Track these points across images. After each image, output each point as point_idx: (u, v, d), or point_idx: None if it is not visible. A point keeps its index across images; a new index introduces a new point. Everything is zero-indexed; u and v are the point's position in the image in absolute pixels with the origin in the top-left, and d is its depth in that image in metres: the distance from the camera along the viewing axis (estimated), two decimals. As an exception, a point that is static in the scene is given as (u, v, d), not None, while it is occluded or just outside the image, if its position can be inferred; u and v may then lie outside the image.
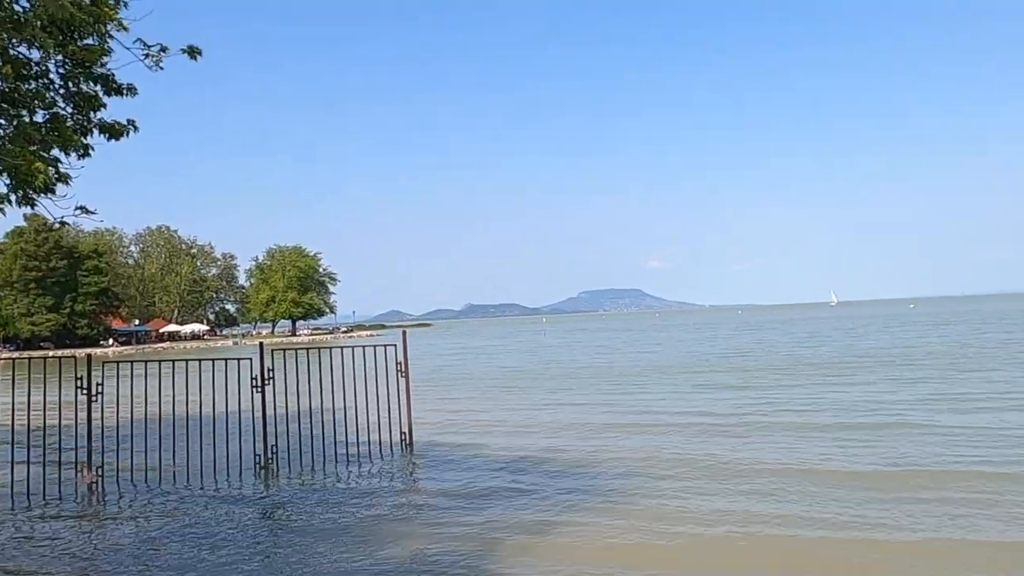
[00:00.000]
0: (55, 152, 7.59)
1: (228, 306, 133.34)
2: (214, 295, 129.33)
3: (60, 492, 10.10)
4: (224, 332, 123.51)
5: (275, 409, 11.59)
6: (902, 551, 6.97)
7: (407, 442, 12.68)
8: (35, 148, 7.23)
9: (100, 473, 10.51)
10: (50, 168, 7.32)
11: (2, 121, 7.27)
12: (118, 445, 10.65)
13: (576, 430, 14.44)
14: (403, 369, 12.51)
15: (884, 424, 13.50)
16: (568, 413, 17.08)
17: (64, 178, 7.67)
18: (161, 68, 7.51)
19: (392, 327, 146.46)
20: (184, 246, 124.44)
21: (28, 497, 9.91)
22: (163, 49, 7.42)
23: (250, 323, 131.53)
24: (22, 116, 7.37)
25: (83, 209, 7.64)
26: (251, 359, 11.52)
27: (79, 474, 10.57)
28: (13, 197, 7.30)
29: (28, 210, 7.61)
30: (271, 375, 11.49)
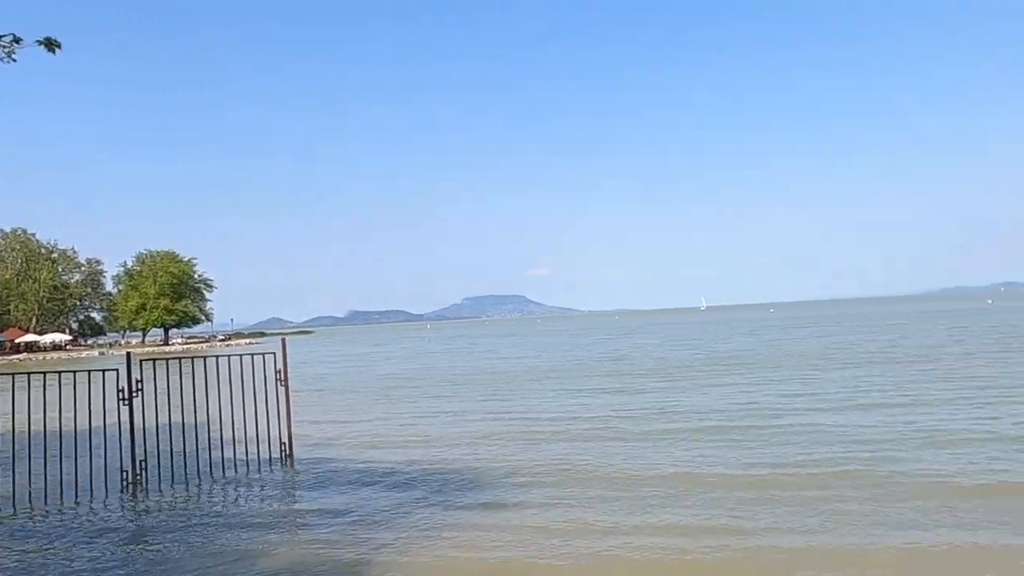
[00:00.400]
0: None
1: (94, 314, 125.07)
2: (77, 302, 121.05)
3: None
4: (89, 342, 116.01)
5: (144, 423, 11.01)
6: (793, 554, 7.22)
7: (287, 454, 12.34)
8: None
9: (-57, 499, 9.67)
10: None
11: None
12: (-35, 468, 9.80)
13: (461, 440, 14.41)
14: (282, 378, 12.18)
15: (756, 426, 14.15)
16: (452, 421, 17.07)
17: None
18: (14, 60, 7.01)
19: (272, 334, 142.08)
20: (44, 251, 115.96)
21: None
22: (16, 40, 6.93)
23: (118, 332, 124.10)
24: None
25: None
26: (118, 370, 10.90)
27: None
28: None
29: None
30: (140, 387, 10.93)
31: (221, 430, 11.64)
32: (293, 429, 12.45)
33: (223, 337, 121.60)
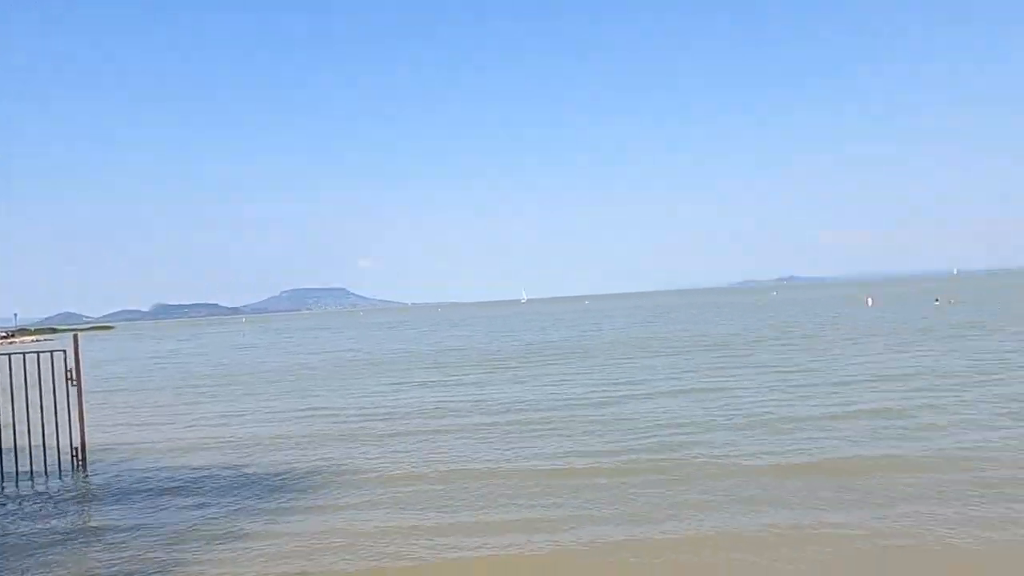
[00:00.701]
0: None
1: None
2: None
3: None
4: None
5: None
6: (605, 545, 7.47)
7: (80, 462, 11.30)
8: None
9: None
10: None
11: None
12: None
13: (274, 441, 13.77)
14: (74, 378, 11.13)
15: (569, 417, 14.71)
16: (265, 421, 16.34)
17: None
18: None
19: (64, 330, 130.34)
20: None
21: None
22: None
23: None
24: None
25: None
26: None
27: None
28: None
29: None
30: None
31: (1, 437, 10.43)
32: (87, 435, 11.43)
33: (4, 334, 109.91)
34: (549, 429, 13.28)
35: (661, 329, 43.78)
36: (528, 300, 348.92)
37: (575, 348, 32.73)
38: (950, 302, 56.55)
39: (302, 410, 17.71)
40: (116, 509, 9.41)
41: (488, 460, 11.10)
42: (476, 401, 17.41)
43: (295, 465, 11.51)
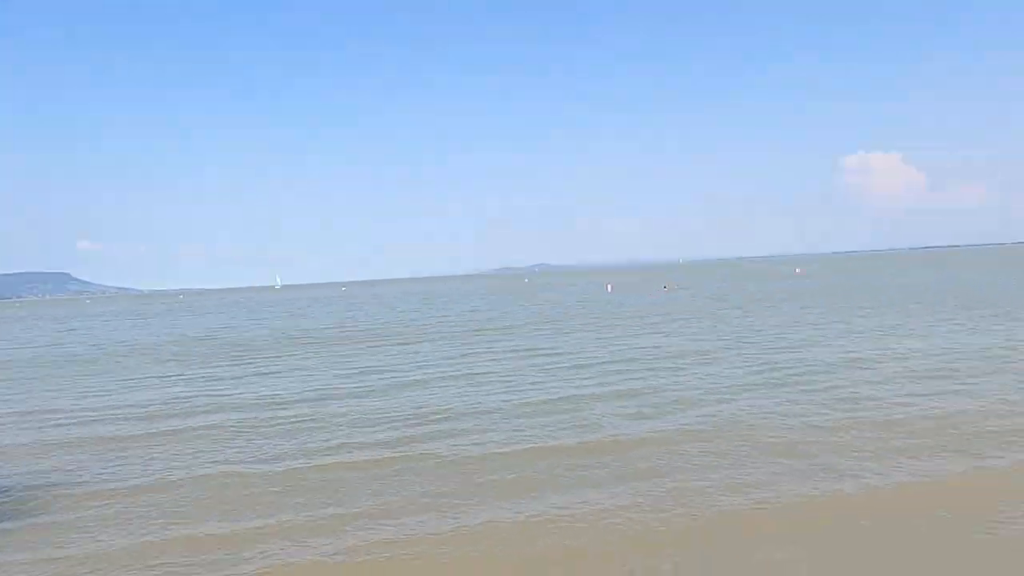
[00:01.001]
0: None
1: None
2: None
3: None
4: None
5: None
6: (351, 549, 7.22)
7: None
8: None
9: None
10: None
11: None
12: None
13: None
14: None
15: (307, 413, 14.10)
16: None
17: None
18: None
19: None
20: None
21: None
22: None
23: None
24: None
25: None
26: None
27: None
28: None
29: None
30: None
31: None
32: None
33: None
34: (298, 425, 12.67)
35: (419, 316, 43.88)
36: (283, 286, 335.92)
37: (328, 336, 31.81)
38: (676, 288, 62.63)
39: (7, 414, 15.45)
40: None
41: (230, 463, 10.33)
42: (219, 396, 16.24)
43: (18, 478, 10.02)
